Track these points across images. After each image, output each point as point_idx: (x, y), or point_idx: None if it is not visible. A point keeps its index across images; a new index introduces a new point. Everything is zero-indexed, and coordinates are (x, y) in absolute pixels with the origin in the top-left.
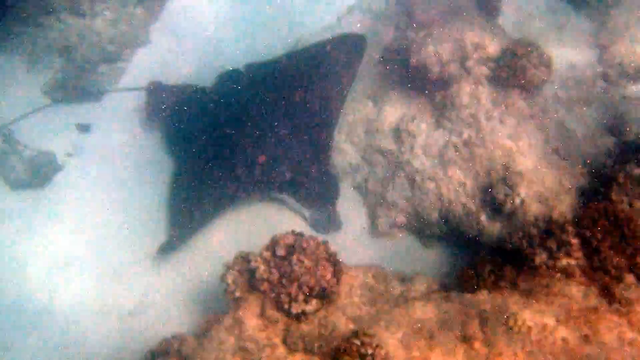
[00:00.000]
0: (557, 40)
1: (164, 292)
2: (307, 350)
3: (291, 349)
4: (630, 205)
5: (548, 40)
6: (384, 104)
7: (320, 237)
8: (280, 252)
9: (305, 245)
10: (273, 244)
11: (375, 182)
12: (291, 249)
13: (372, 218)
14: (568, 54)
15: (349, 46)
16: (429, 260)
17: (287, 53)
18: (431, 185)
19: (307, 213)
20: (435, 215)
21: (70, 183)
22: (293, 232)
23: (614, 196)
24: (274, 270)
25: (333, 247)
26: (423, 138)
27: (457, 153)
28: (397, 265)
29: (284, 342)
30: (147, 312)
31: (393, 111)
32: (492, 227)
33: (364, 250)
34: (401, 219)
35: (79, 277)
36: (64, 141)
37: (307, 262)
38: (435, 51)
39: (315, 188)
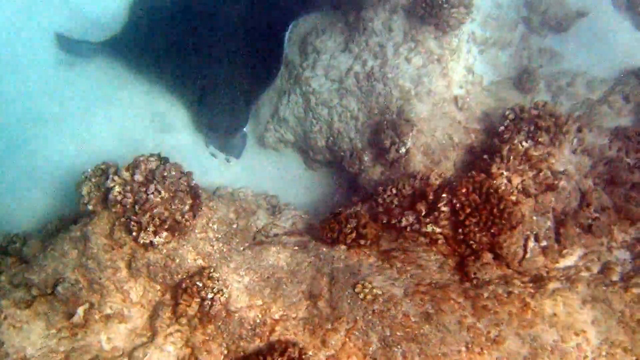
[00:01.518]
0: None
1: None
2: (150, 279)
3: (134, 275)
4: (509, 181)
5: None
6: None
7: (181, 167)
8: (139, 177)
9: (166, 173)
10: (134, 166)
11: (272, 91)
12: (151, 176)
13: (262, 129)
14: None
15: None
16: (309, 182)
17: None
18: (324, 112)
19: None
20: (322, 143)
21: None
22: (158, 156)
23: (493, 169)
24: (129, 195)
25: (196, 178)
26: (327, 57)
27: (357, 83)
28: (276, 182)
29: (129, 266)
30: None
31: (304, 18)
32: (373, 170)
33: (249, 160)
34: (289, 136)
35: None
36: None
37: (164, 193)
38: None
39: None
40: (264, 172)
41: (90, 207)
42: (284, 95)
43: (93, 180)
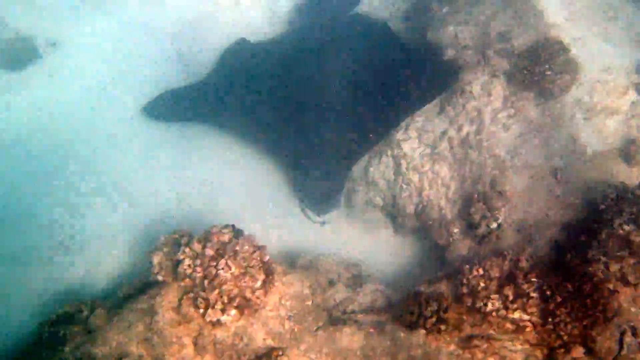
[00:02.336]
0: (602, 34)
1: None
2: (217, 357)
3: (200, 352)
4: (606, 267)
5: (591, 32)
6: None
7: (258, 241)
8: (210, 251)
9: (238, 248)
10: (206, 238)
11: None
12: (223, 250)
13: (351, 189)
14: (607, 52)
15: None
16: (396, 248)
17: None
18: (414, 177)
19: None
20: (411, 209)
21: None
22: (233, 227)
23: (590, 254)
24: (198, 269)
25: (269, 255)
26: (421, 120)
27: (451, 149)
28: (362, 245)
29: (195, 343)
30: None
31: None
32: (462, 245)
33: (336, 219)
34: (378, 200)
35: None
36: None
37: (234, 269)
38: (455, 33)
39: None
40: (351, 234)
41: (159, 278)
42: (374, 157)
43: (165, 249)
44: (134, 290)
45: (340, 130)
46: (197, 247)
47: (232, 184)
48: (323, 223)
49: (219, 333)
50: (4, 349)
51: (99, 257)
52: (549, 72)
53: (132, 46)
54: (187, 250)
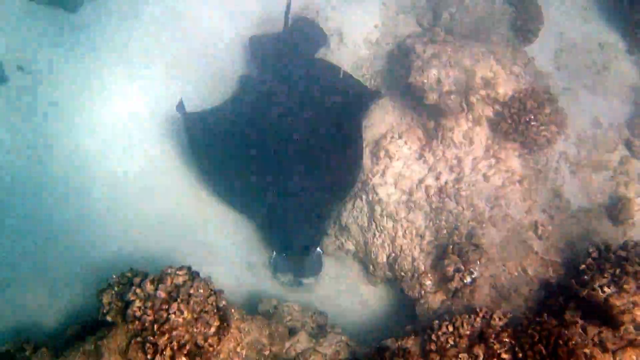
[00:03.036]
0: (592, 85)
1: None
2: None
3: None
4: (584, 331)
5: (581, 83)
6: (376, 107)
7: (213, 285)
8: (161, 293)
9: (192, 291)
10: (159, 279)
11: None
12: (176, 292)
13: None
14: (597, 105)
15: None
16: (367, 298)
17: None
18: (388, 224)
19: (273, 253)
20: (383, 258)
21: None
22: (189, 269)
23: (567, 316)
24: (149, 312)
25: (225, 300)
26: (400, 165)
27: (428, 198)
28: (330, 292)
29: None
30: None
31: (382, 118)
32: (433, 298)
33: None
34: (349, 246)
35: None
36: None
37: (186, 314)
38: (437, 77)
39: (286, 232)
40: (320, 279)
41: (108, 319)
42: (349, 201)
43: (116, 288)
44: (82, 331)
45: (308, 176)
46: (149, 288)
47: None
48: (300, 283)
49: None
50: None
51: (53, 294)
52: (534, 123)
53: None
54: (138, 291)
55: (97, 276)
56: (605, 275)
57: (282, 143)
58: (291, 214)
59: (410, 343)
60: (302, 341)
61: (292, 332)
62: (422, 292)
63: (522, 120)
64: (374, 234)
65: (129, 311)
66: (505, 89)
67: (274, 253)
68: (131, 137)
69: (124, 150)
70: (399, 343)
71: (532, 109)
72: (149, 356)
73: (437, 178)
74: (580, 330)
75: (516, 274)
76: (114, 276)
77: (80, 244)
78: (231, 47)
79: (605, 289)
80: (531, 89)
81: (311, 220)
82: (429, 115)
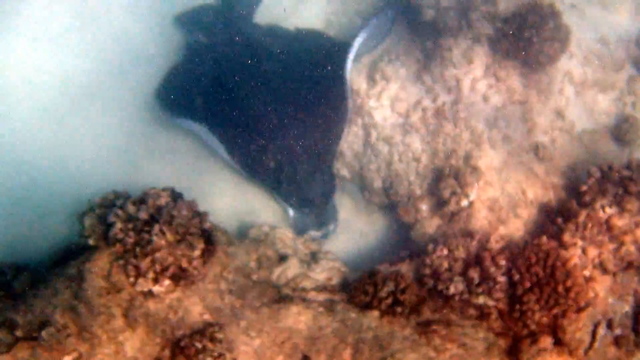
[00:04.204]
0: (600, 1)
1: None
2: (150, 330)
3: (131, 325)
4: (583, 252)
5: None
6: None
7: (197, 207)
8: (143, 214)
9: (175, 213)
10: (141, 201)
11: None
12: (158, 214)
13: None
14: (605, 21)
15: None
16: (363, 225)
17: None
18: (384, 149)
19: (290, 211)
20: (378, 184)
21: None
22: (172, 191)
23: (566, 237)
24: (130, 234)
25: (210, 222)
26: (396, 87)
27: (425, 120)
28: None
29: (125, 315)
30: None
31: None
32: (429, 223)
33: None
34: (345, 172)
35: None
36: None
37: (169, 236)
38: None
39: (301, 189)
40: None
41: (91, 242)
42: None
43: (97, 211)
44: (65, 256)
45: (302, 124)
46: (131, 209)
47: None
48: (327, 236)
49: (152, 305)
50: None
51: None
52: (536, 39)
53: None
54: (119, 212)
55: (82, 203)
56: (607, 196)
57: (271, 101)
58: (300, 168)
59: (405, 268)
60: (293, 267)
61: (283, 258)
62: (418, 217)
63: (523, 37)
64: (369, 160)
65: (111, 233)
66: (506, 3)
67: (291, 212)
68: None
69: None
70: (393, 268)
71: (534, 24)
72: (131, 279)
73: (435, 100)
74: (580, 252)
75: (515, 196)
76: (96, 199)
77: (66, 171)
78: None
79: (607, 209)
80: (533, 2)
81: (320, 169)
82: (427, 35)
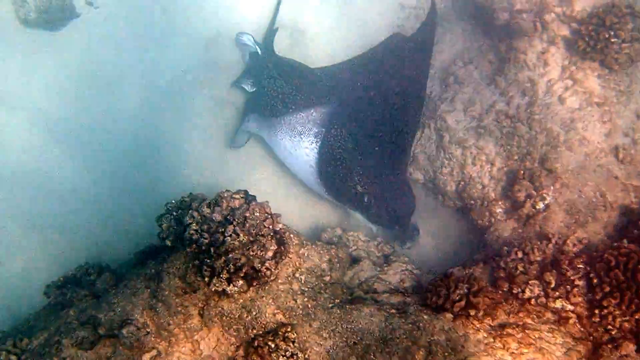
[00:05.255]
0: None
1: None
2: (224, 330)
3: (207, 324)
4: None
5: None
6: (445, 32)
7: (270, 209)
8: (217, 216)
9: (248, 214)
10: (215, 203)
11: None
12: (231, 216)
13: None
14: None
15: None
16: (436, 228)
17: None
18: (457, 152)
19: (373, 227)
20: (452, 187)
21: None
22: (245, 193)
23: None
24: (205, 235)
25: (282, 224)
26: (470, 90)
27: (498, 123)
28: None
29: (201, 314)
30: None
31: (452, 43)
32: (504, 226)
33: None
34: (418, 175)
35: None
36: None
37: (242, 237)
38: None
39: (387, 210)
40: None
41: (168, 243)
42: (417, 130)
43: (175, 213)
44: (144, 257)
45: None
46: (205, 211)
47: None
48: (409, 247)
49: (226, 305)
50: (18, 310)
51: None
52: (615, 39)
53: None
54: (195, 214)
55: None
56: None
57: (355, 127)
58: (386, 189)
59: (479, 270)
60: (365, 269)
61: (356, 261)
62: (492, 220)
63: (601, 37)
64: (442, 163)
65: (186, 234)
66: (582, 4)
67: (374, 228)
68: None
69: None
70: (467, 270)
71: (612, 25)
72: (206, 279)
73: (509, 102)
74: None
75: (594, 199)
76: (173, 201)
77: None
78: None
79: None
80: (611, 3)
81: (402, 186)
82: (501, 37)
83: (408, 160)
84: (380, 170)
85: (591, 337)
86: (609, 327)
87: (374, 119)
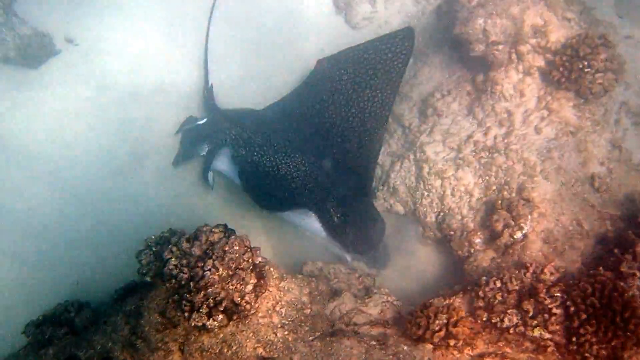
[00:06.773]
0: None
1: None
2: None
3: (187, 359)
4: None
5: None
6: (424, 65)
7: (249, 242)
8: (196, 250)
9: (227, 248)
10: (194, 237)
11: (385, 155)
12: (211, 250)
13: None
14: None
15: (393, 46)
16: (418, 257)
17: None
18: (437, 183)
19: (348, 257)
20: (431, 218)
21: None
22: (225, 227)
23: (623, 267)
24: (185, 269)
25: (261, 257)
26: (448, 122)
27: (476, 154)
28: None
29: (181, 349)
30: None
31: (430, 75)
32: (483, 256)
33: None
34: (398, 207)
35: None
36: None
37: (221, 271)
38: (483, 27)
39: (356, 233)
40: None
41: (147, 279)
42: (397, 161)
43: (154, 248)
44: (125, 294)
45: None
46: (185, 246)
47: None
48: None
49: (206, 339)
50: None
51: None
52: (588, 69)
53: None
54: (174, 249)
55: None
56: None
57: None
58: (360, 217)
59: (458, 301)
60: (346, 301)
61: (337, 293)
62: (471, 250)
63: (575, 68)
64: (422, 194)
65: (166, 269)
66: (557, 35)
67: (349, 257)
68: None
69: None
70: (446, 301)
71: (586, 55)
72: (186, 314)
73: (486, 133)
74: (637, 282)
75: (571, 228)
76: (153, 236)
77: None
78: None
79: None
80: (584, 34)
81: (372, 213)
82: (478, 68)
83: (371, 182)
84: (349, 197)
85: None
86: (586, 355)
87: (328, 145)
